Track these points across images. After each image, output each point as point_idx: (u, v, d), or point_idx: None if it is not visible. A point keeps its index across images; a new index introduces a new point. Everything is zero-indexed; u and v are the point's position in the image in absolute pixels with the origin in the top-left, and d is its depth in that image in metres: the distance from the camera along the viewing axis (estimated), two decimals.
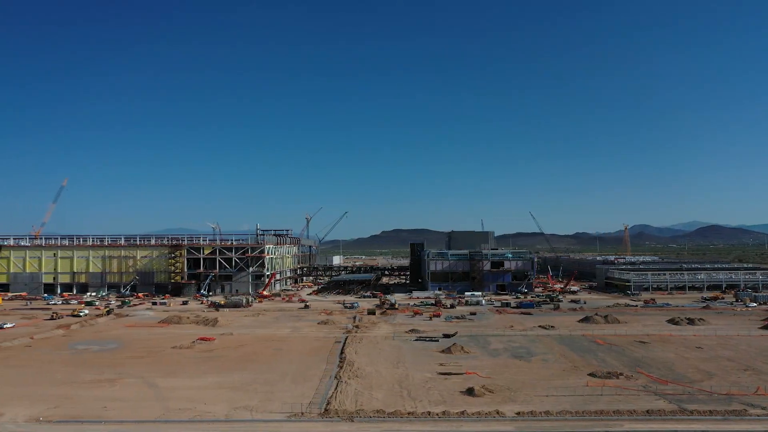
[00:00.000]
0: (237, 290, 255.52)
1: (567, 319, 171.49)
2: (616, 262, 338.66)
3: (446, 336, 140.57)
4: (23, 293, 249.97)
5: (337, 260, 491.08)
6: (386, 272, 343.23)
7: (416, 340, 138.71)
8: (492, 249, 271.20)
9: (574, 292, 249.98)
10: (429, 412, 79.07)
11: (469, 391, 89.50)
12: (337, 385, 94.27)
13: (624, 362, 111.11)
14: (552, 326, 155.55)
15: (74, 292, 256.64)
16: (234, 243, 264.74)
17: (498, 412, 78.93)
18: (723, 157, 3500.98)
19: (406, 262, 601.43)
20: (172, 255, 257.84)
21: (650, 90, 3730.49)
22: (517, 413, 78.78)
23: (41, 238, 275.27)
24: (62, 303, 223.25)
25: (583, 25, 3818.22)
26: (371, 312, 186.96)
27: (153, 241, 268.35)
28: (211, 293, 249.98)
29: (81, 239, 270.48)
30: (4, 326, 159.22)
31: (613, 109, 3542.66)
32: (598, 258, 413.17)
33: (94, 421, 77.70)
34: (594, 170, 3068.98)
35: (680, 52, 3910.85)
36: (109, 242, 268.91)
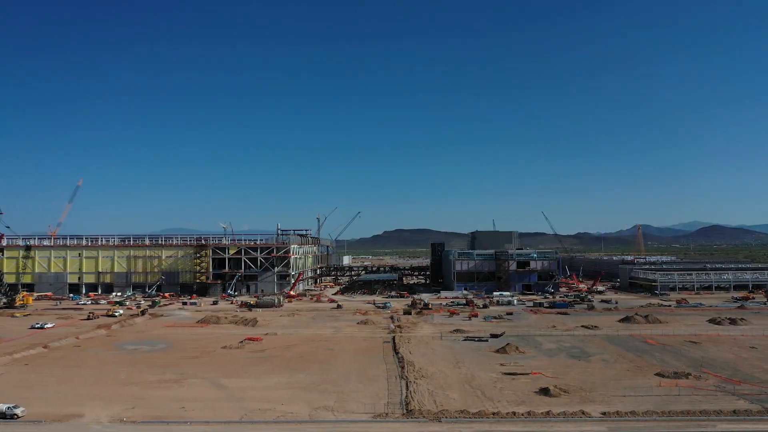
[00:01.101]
0: (262, 290, 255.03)
1: (606, 319, 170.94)
2: (635, 262, 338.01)
3: (494, 336, 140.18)
4: (49, 293, 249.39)
5: (346, 260, 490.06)
6: (406, 272, 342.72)
7: (465, 340, 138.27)
8: (517, 249, 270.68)
9: (601, 292, 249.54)
10: (514, 413, 78.68)
11: (544, 391, 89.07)
12: (407, 386, 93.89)
13: (685, 362, 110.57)
14: (595, 326, 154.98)
15: (99, 292, 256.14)
16: (259, 243, 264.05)
17: (583, 412, 78.50)
18: (722, 157, 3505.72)
19: (414, 261, 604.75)
20: (198, 255, 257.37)
21: (650, 90, 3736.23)
22: (602, 413, 78.38)
23: (66, 238, 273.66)
24: (91, 303, 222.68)
25: (584, 25, 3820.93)
26: (407, 312, 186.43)
27: (178, 241, 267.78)
28: (235, 293, 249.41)
29: (106, 239, 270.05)
30: (46, 326, 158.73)
31: (613, 109, 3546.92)
32: (614, 258, 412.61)
33: (179, 422, 77.24)
34: (594, 170, 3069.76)
35: (680, 52, 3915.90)
36: (134, 242, 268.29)
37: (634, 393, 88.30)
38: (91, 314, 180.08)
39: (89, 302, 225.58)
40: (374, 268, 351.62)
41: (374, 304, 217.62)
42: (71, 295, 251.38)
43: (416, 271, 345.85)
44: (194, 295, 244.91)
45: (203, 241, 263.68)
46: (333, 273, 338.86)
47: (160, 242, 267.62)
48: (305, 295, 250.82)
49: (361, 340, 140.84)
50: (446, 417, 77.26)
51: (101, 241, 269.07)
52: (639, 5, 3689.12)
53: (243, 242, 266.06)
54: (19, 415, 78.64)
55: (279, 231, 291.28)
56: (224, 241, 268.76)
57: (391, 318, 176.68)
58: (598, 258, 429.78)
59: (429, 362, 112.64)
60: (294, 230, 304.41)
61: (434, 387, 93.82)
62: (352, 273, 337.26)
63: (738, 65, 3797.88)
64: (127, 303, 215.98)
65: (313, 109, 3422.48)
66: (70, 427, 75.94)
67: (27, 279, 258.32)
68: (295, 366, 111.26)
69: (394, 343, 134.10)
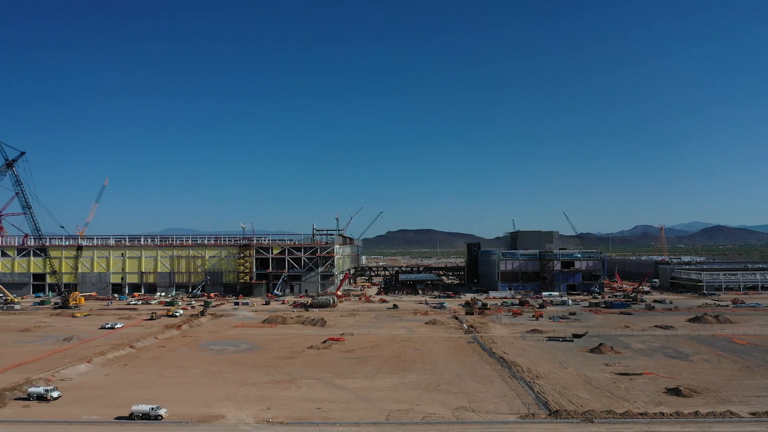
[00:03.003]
0: (306, 290, 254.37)
1: (672, 319, 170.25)
2: (671, 262, 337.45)
3: (576, 336, 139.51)
4: (93, 293, 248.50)
5: (362, 260, 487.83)
6: (440, 272, 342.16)
7: (549, 340, 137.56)
8: (560, 249, 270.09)
9: (647, 292, 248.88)
10: (662, 413, 78.01)
11: (675, 392, 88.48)
12: (531, 386, 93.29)
13: None
14: (670, 326, 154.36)
15: (142, 292, 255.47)
16: (303, 243, 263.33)
17: (731, 413, 77.83)
18: (722, 158, 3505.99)
19: (423, 261, 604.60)
20: (241, 255, 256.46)
21: (650, 90, 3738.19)
22: (751, 413, 77.73)
23: (110, 238, 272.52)
24: (141, 303, 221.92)
25: (585, 24, 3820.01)
26: (468, 313, 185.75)
27: (222, 241, 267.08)
28: (282, 293, 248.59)
29: (149, 239, 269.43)
30: (116, 326, 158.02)
31: (614, 110, 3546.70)
32: (642, 258, 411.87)
33: (329, 423, 76.54)
34: (595, 171, 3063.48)
35: (681, 52, 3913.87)
36: (177, 241, 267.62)
37: (766, 393, 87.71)
38: (153, 314, 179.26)
39: (139, 303, 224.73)
40: (408, 269, 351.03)
41: (427, 303, 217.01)
42: (116, 294, 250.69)
43: (450, 272, 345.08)
44: (241, 295, 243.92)
45: (248, 241, 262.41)
46: (367, 273, 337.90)
47: (203, 242, 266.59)
48: (348, 295, 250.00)
49: (441, 340, 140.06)
50: (597, 418, 76.51)
51: (144, 240, 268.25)
52: (645, 4, 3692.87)
53: (287, 242, 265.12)
54: (163, 416, 77.93)
55: (314, 231, 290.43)
56: (267, 241, 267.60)
57: (456, 318, 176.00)
58: (624, 258, 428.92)
59: (531, 362, 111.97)
60: (326, 230, 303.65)
61: (557, 387, 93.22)
62: (386, 273, 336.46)
63: (738, 66, 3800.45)
64: (180, 303, 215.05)
65: (313, 109, 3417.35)
66: (221, 428, 75.18)
67: (69, 279, 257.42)
68: (396, 366, 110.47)
69: (480, 342, 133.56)
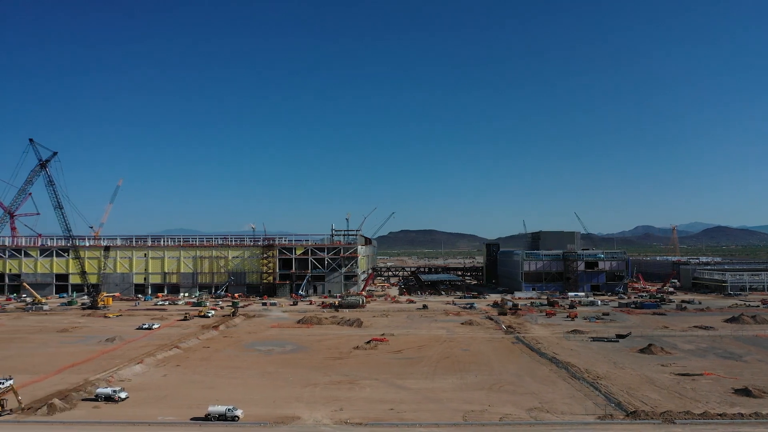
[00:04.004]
0: (329, 291, 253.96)
1: (710, 319, 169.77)
2: (689, 262, 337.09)
3: (620, 336, 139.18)
4: (116, 293, 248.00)
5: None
6: (457, 272, 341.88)
7: (593, 340, 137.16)
8: (583, 249, 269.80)
9: (671, 293, 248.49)
10: (741, 414, 77.66)
11: (744, 392, 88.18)
12: (596, 387, 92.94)
13: None
14: (710, 327, 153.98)
15: (165, 293, 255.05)
16: (326, 243, 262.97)
17: None
18: (722, 158, 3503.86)
19: (422, 262, 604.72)
20: (265, 255, 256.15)
21: (651, 90, 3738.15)
22: None
23: (132, 239, 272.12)
24: (169, 304, 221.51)
25: (587, 23, 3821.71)
26: (502, 313, 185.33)
27: (245, 241, 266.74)
28: (306, 294, 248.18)
29: (172, 239, 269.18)
30: (153, 327, 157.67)
31: (614, 110, 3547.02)
32: (657, 258, 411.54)
33: (409, 424, 76.18)
34: (595, 171, 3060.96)
35: (683, 52, 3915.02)
36: (199, 242, 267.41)
37: None
38: (186, 315, 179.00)
39: (166, 303, 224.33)
40: (424, 269, 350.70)
41: (454, 304, 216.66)
42: (139, 295, 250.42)
43: (467, 272, 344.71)
44: (265, 296, 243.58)
45: (271, 242, 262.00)
46: (384, 273, 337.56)
47: (226, 242, 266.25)
48: (372, 296, 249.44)
49: (484, 341, 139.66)
50: (677, 418, 76.12)
51: (166, 241, 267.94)
52: (645, 3, 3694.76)
53: (309, 243, 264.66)
54: (240, 417, 77.55)
55: (333, 231, 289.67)
56: (290, 242, 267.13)
57: (490, 318, 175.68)
58: (639, 258, 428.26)
59: (586, 363, 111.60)
60: (344, 231, 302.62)
61: (622, 388, 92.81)
62: (403, 273, 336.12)
63: (739, 65, 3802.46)
64: (207, 304, 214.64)
65: (313, 108, 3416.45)
66: (300, 429, 74.79)
67: (92, 280, 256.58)
68: (451, 367, 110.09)
69: (526, 343, 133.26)
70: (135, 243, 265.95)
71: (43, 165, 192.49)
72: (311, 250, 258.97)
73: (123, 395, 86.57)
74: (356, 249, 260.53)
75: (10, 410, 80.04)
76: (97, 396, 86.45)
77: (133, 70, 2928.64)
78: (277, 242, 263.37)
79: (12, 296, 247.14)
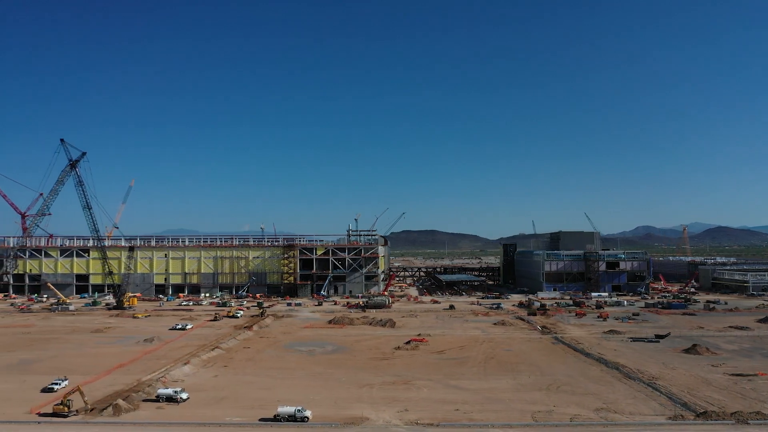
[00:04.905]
0: (350, 291, 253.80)
1: (741, 319, 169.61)
2: (706, 262, 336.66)
3: (659, 337, 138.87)
4: (138, 294, 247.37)
5: None
6: (476, 273, 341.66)
7: (632, 341, 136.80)
8: (603, 249, 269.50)
9: (693, 293, 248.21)
10: None
11: None
12: (655, 387, 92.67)
13: None
14: (745, 327, 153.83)
15: (186, 293, 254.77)
16: (347, 244, 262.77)
17: None
18: (723, 158, 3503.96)
19: (429, 262, 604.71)
20: (285, 256, 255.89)
21: (652, 90, 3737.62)
22: None
23: (152, 239, 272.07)
24: (193, 305, 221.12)
25: (588, 23, 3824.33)
26: (531, 313, 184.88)
27: (266, 242, 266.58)
28: (325, 294, 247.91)
29: (192, 240, 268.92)
30: (186, 327, 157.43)
31: (615, 110, 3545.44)
32: (670, 259, 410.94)
33: (481, 424, 75.90)
34: (595, 171, 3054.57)
35: (683, 52, 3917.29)
36: (220, 242, 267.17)
37: None
38: (216, 315, 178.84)
39: (190, 303, 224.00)
40: (440, 270, 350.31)
41: (479, 304, 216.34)
42: (161, 295, 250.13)
43: (484, 272, 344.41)
44: (287, 296, 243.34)
45: (292, 242, 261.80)
46: (401, 274, 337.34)
47: (247, 243, 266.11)
48: (393, 295, 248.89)
49: (523, 341, 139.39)
50: (752, 419, 75.79)
51: (185, 241, 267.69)
52: (646, 3, 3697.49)
53: (330, 243, 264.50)
54: (309, 417, 77.24)
55: (349, 232, 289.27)
56: (311, 242, 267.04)
57: (521, 318, 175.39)
58: (653, 259, 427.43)
59: (635, 363, 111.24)
60: (360, 231, 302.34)
61: (682, 388, 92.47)
62: (420, 274, 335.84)
63: (740, 65, 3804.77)
64: (233, 304, 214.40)
65: (313, 108, 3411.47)
66: (372, 430, 74.47)
67: (115, 280, 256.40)
68: (500, 368, 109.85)
69: (567, 343, 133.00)
70: (155, 243, 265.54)
71: (73, 165, 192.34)
72: (332, 250, 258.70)
73: (184, 396, 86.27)
74: (377, 249, 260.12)
75: (76, 411, 79.72)
76: (158, 397, 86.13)
77: (133, 70, 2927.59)
78: (297, 242, 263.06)
79: (33, 296, 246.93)
